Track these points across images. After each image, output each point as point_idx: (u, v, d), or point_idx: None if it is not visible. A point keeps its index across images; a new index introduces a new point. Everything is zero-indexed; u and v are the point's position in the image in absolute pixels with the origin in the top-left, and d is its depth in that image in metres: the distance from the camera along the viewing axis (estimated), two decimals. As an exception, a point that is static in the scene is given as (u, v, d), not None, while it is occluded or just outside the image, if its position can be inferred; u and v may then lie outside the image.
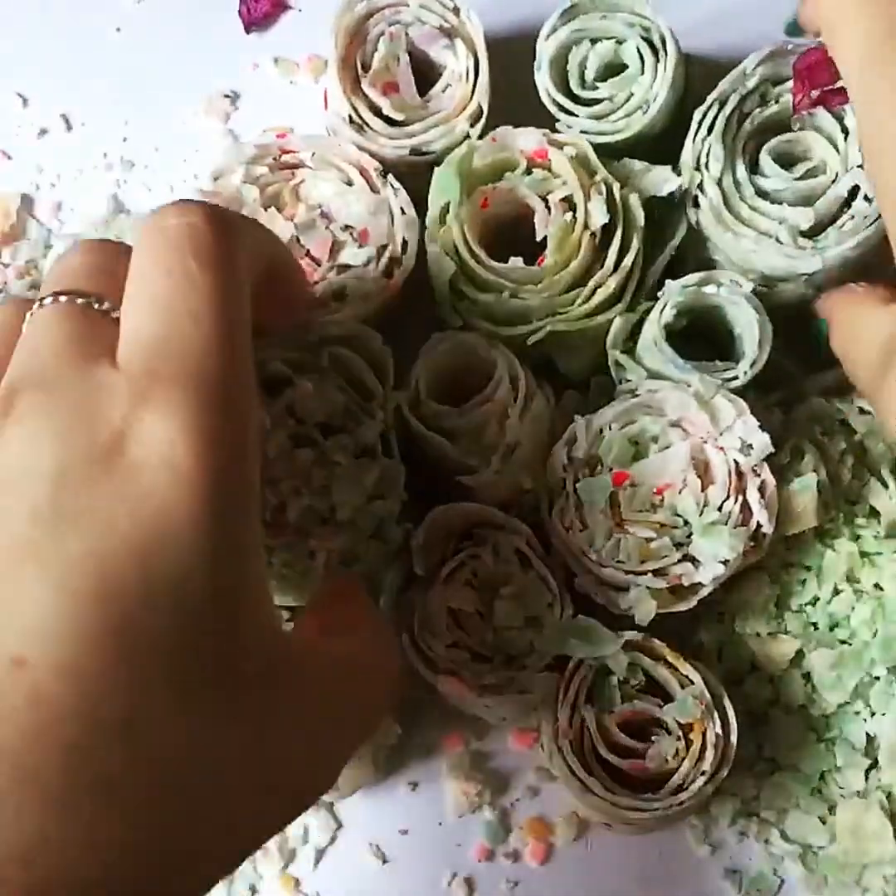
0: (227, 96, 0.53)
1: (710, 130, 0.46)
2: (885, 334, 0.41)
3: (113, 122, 0.53)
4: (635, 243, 0.45)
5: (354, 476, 0.43)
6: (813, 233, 0.45)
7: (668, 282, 0.45)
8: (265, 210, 0.46)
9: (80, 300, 0.34)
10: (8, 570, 0.29)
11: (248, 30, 0.54)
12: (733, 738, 0.45)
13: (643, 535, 0.44)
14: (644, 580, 0.44)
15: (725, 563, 0.44)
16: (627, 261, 0.45)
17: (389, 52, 0.47)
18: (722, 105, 0.46)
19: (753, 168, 0.46)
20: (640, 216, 0.46)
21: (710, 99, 0.46)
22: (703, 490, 0.44)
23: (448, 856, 0.49)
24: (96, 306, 0.34)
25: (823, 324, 0.46)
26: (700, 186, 0.46)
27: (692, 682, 0.45)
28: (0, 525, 0.30)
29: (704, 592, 0.45)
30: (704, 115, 0.46)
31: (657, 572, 0.44)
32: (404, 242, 0.46)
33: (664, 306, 0.45)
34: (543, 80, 0.47)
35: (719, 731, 0.44)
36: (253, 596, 0.32)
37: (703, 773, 0.44)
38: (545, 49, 0.48)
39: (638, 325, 0.46)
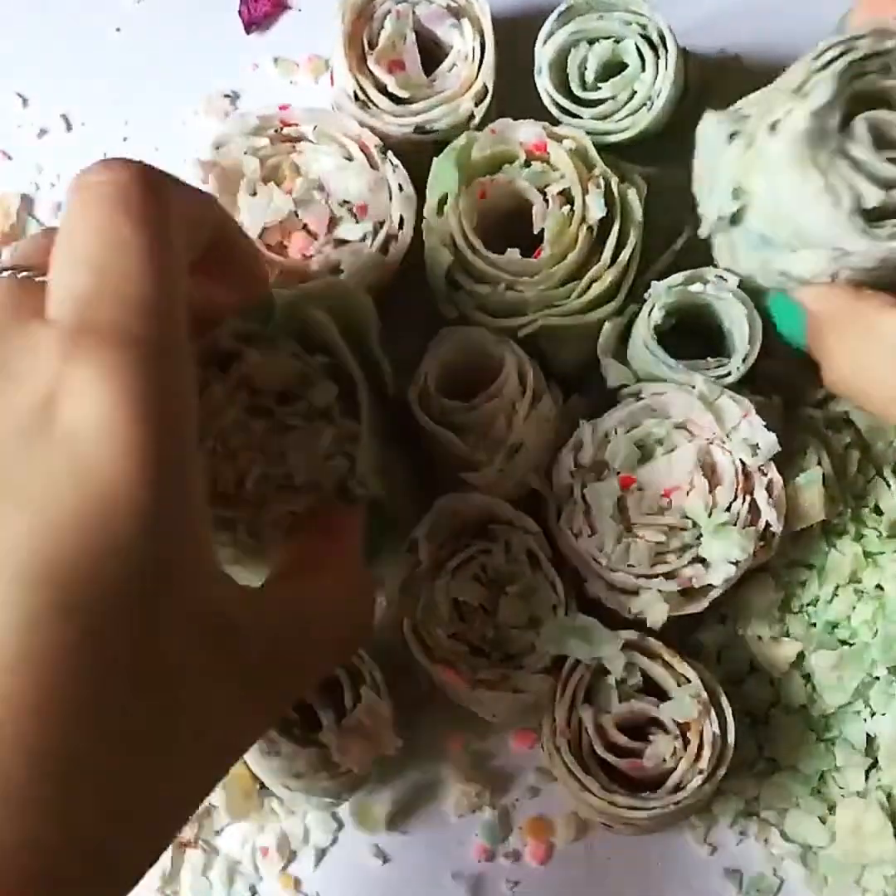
0: (227, 96, 0.53)
1: (826, 65, 0.41)
2: None
3: (113, 122, 0.53)
4: (632, 238, 0.45)
5: (306, 439, 0.42)
6: (872, 217, 0.41)
7: (654, 283, 0.45)
8: (264, 183, 0.47)
9: (21, 274, 0.33)
10: None
11: (247, 30, 0.54)
12: (731, 738, 0.44)
13: (653, 539, 0.44)
14: (655, 583, 0.44)
15: (736, 563, 0.44)
16: (624, 255, 0.45)
17: (396, 31, 0.48)
18: (849, 49, 0.41)
19: (842, 127, 0.41)
20: (638, 211, 0.46)
21: (839, 38, 0.42)
22: (710, 491, 0.44)
23: (448, 856, 0.49)
24: (37, 279, 0.33)
25: (783, 307, 0.44)
26: (789, 112, 0.41)
27: (689, 681, 0.45)
28: None
29: (715, 594, 0.45)
30: (828, 49, 0.42)
31: (668, 575, 0.44)
32: (401, 219, 0.46)
33: (652, 308, 0.45)
34: (544, 83, 0.47)
35: (716, 729, 0.44)
36: (201, 560, 0.31)
37: (700, 773, 0.44)
38: (544, 53, 0.48)
39: (627, 328, 0.46)
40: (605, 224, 0.45)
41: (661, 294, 0.45)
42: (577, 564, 0.45)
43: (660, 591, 0.44)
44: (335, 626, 0.37)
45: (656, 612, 0.44)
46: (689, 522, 0.44)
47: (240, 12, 0.54)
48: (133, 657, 0.29)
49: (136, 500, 0.29)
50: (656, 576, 0.44)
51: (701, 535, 0.44)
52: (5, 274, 0.33)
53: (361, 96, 0.47)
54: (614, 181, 0.46)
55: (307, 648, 0.36)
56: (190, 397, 0.32)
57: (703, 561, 0.44)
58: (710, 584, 0.44)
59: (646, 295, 0.46)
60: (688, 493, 0.44)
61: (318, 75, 0.53)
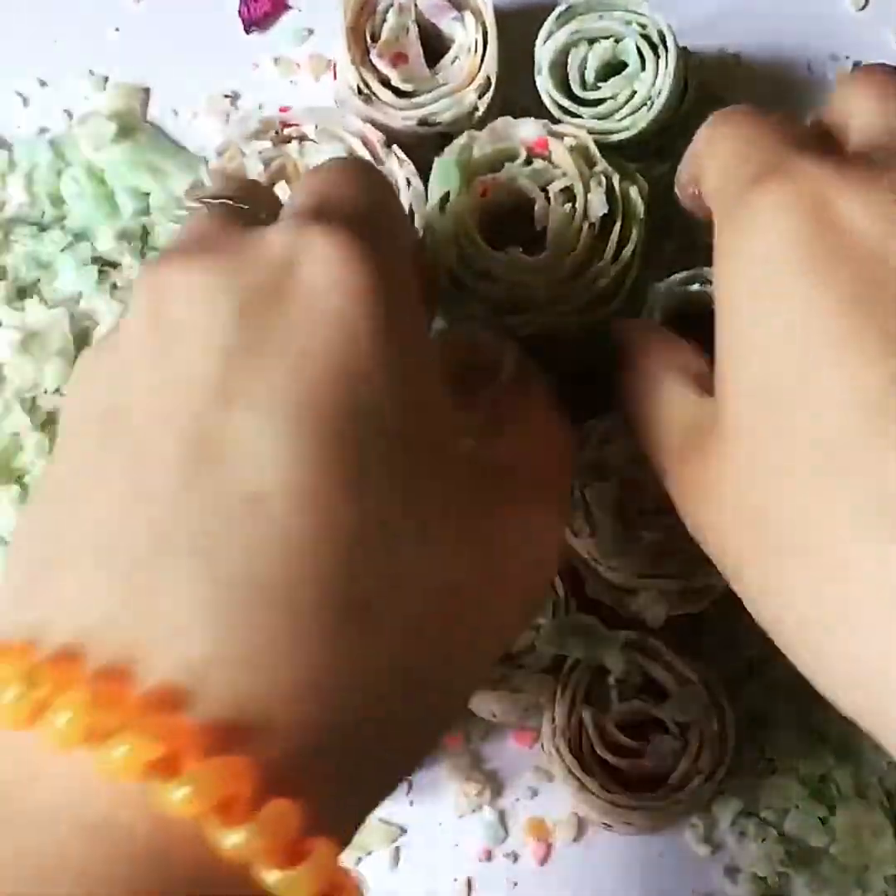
0: (227, 96, 0.53)
1: None
2: (688, 418, 0.38)
3: (113, 121, 0.53)
4: (635, 235, 0.45)
5: None
6: None
7: (654, 284, 0.45)
8: (271, 184, 0.47)
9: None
10: (219, 410, 0.29)
11: (247, 30, 0.54)
12: (731, 738, 0.44)
13: (653, 538, 0.44)
14: (655, 583, 0.44)
15: None
16: (627, 253, 0.45)
17: (399, 23, 0.48)
18: None
19: None
20: (640, 208, 0.46)
21: None
22: None
23: (448, 856, 0.49)
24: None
25: None
26: None
27: (690, 681, 0.45)
28: (195, 369, 0.30)
29: (715, 594, 0.44)
30: None
31: (668, 575, 0.44)
32: (411, 212, 0.46)
33: (652, 311, 0.45)
34: (544, 83, 0.48)
35: (717, 729, 0.44)
36: (438, 399, 0.34)
37: (700, 773, 0.44)
38: (544, 53, 0.48)
39: None
40: (607, 221, 0.45)
41: (660, 295, 0.45)
42: (577, 564, 0.45)
43: (660, 591, 0.44)
44: (545, 478, 0.38)
45: (655, 612, 0.44)
46: None
47: (240, 12, 0.53)
48: (402, 489, 0.31)
49: (375, 343, 0.31)
50: (656, 576, 0.44)
51: None
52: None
53: (365, 90, 0.48)
54: (616, 178, 0.46)
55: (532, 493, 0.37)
56: (406, 260, 0.35)
57: (704, 560, 0.44)
58: (711, 585, 0.44)
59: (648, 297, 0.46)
60: None
61: (319, 75, 0.53)
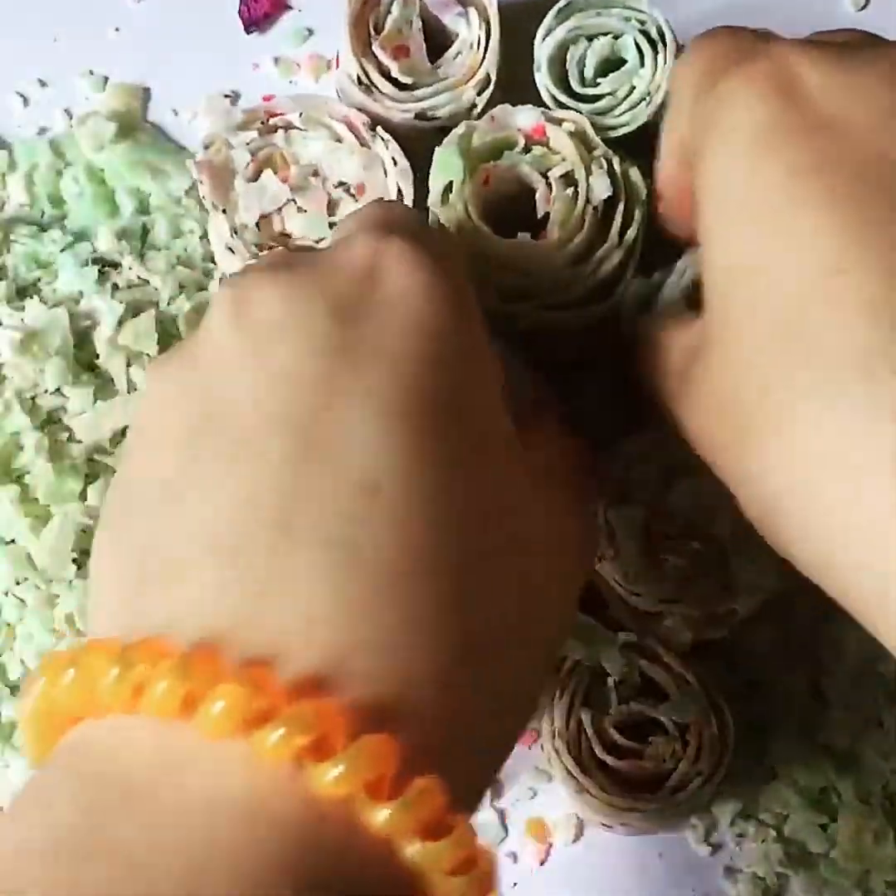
0: (227, 96, 0.53)
1: None
2: (686, 338, 0.39)
3: (113, 122, 0.53)
4: (638, 216, 0.45)
5: None
6: None
7: (688, 249, 0.44)
8: (259, 174, 0.47)
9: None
10: (321, 407, 0.31)
11: (248, 30, 0.54)
12: (731, 739, 0.44)
13: (677, 564, 0.43)
14: (679, 609, 0.44)
15: (763, 588, 0.43)
16: (630, 234, 0.45)
17: (402, 16, 0.48)
18: None
19: None
20: (642, 189, 0.45)
21: None
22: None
23: (448, 856, 0.48)
24: None
25: None
26: None
27: (689, 683, 0.44)
28: (292, 369, 0.31)
29: (738, 619, 0.44)
30: None
31: (693, 601, 0.44)
32: (400, 192, 0.47)
33: (684, 272, 0.44)
34: (543, 79, 0.48)
35: (716, 731, 0.44)
36: (502, 395, 0.35)
37: (699, 774, 0.44)
38: (543, 50, 0.48)
39: (646, 304, 0.45)
40: (609, 204, 0.45)
41: (691, 263, 0.44)
42: (601, 588, 0.45)
43: (683, 617, 0.44)
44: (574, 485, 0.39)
45: (681, 638, 0.44)
46: (715, 546, 0.44)
47: (240, 12, 0.53)
48: (495, 474, 0.33)
49: (449, 339, 0.33)
50: (681, 601, 0.44)
51: (727, 558, 0.43)
52: None
53: (365, 80, 0.48)
54: (616, 160, 0.45)
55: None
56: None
57: (729, 586, 0.44)
58: (734, 609, 0.44)
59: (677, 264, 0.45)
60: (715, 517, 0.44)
61: (319, 75, 0.53)
